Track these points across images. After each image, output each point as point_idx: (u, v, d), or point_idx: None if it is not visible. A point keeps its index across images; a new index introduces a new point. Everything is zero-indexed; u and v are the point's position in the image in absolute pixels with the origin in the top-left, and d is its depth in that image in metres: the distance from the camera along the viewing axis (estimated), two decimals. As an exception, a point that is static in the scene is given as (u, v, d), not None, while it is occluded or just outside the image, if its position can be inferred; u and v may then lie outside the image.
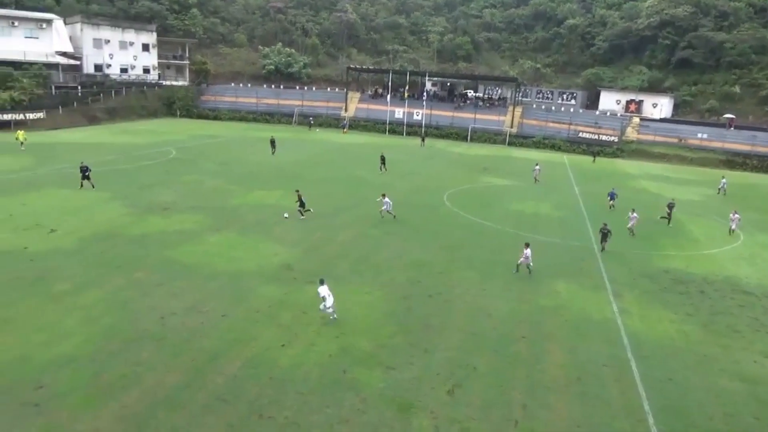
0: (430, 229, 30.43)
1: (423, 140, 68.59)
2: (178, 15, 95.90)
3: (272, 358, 15.85)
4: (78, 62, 74.57)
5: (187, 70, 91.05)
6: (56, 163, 41.79)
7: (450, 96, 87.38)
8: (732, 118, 73.68)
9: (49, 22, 71.75)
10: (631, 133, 74.26)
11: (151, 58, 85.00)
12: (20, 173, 37.22)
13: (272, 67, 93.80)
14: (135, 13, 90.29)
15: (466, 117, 78.46)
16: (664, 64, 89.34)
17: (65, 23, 74.93)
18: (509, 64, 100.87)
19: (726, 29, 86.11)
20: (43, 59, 68.75)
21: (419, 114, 78.08)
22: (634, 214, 31.80)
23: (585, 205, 39.53)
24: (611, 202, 37.52)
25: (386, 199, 31.22)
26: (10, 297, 18.59)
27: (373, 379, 15.10)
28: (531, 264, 23.94)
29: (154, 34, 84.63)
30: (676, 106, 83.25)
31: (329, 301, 18.03)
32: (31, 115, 60.87)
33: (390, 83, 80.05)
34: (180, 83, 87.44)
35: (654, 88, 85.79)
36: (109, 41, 78.60)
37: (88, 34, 76.38)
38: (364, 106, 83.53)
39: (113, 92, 74.67)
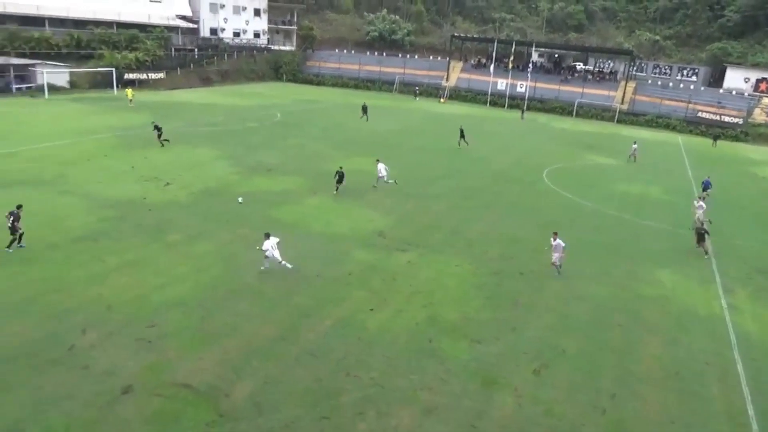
0: (526, 205, 29.69)
1: (523, 113, 66.46)
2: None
3: (361, 320, 16.36)
4: (195, 26, 78.74)
5: (295, 35, 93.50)
6: (174, 121, 44.73)
7: (557, 68, 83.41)
8: None
9: (171, -14, 76.05)
10: (759, 116, 67.50)
11: (262, 23, 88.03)
12: (143, 129, 40.23)
13: (376, 33, 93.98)
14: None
15: (572, 91, 74.77)
16: (807, 39, 79.91)
17: (185, -12, 79.09)
18: (624, 35, 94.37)
19: None
20: (164, 22, 73.24)
21: (523, 86, 75.39)
22: (701, 203, 27.71)
23: (699, 190, 36.70)
24: (704, 192, 32.68)
25: (380, 165, 29.39)
26: (132, 242, 20.41)
27: (458, 351, 15.20)
28: (559, 264, 20.64)
29: (266, 0, 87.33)
30: (817, 87, 74.41)
31: (275, 254, 18.39)
32: (153, 75, 65.33)
33: (494, 53, 77.63)
34: (287, 48, 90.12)
35: (792, 65, 77.10)
36: (224, 6, 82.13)
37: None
38: (465, 76, 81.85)
39: (226, 55, 78.35)
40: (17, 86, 53.67)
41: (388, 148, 40.45)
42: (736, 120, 65.82)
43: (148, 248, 20.05)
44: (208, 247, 20.49)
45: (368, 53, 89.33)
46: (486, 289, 19.24)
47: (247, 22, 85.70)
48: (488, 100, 75.59)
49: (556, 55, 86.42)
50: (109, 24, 67.52)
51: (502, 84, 76.39)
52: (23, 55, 56.80)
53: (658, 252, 24.29)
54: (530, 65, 77.41)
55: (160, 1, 74.96)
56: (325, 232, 23.19)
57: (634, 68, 79.25)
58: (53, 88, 54.32)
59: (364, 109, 53.31)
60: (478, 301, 18.30)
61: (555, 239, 20.61)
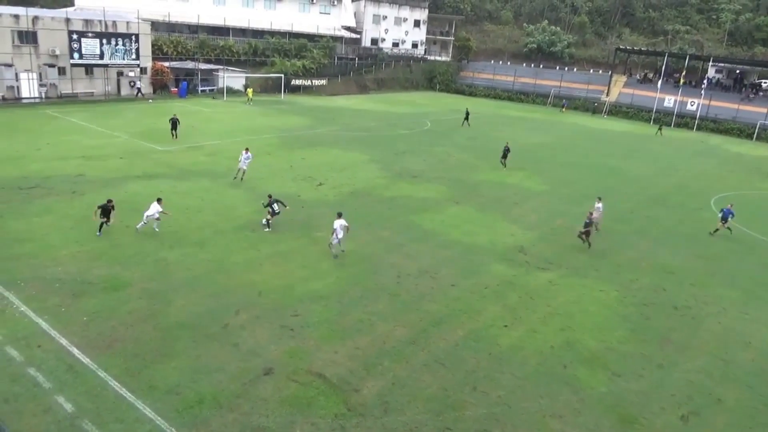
0: (686, 233, 27.11)
1: (660, 129, 60.84)
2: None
3: (493, 335, 16.07)
4: (358, 36, 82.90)
5: (451, 46, 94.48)
6: (330, 125, 47.55)
7: (738, 85, 75.04)
8: None
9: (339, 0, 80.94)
10: None
11: (420, 34, 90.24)
12: (304, 131, 43.29)
13: (534, 45, 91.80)
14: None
15: (755, 111, 66.70)
16: None
17: (352, 1, 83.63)
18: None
19: None
20: (331, 33, 78.06)
21: (694, 104, 68.87)
22: (598, 205, 25.18)
23: None
24: (723, 224, 26.64)
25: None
26: (285, 235, 22.05)
27: (594, 382, 14.31)
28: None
29: (426, 11, 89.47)
30: None
31: (339, 234, 19.57)
32: (316, 82, 69.99)
33: (664, 68, 71.91)
34: (443, 59, 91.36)
35: None
36: (386, 17, 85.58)
37: (370, 10, 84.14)
38: (629, 91, 76.72)
39: (383, 65, 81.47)
40: (202, 88, 60.55)
41: (537, 162, 39.29)
42: None
43: (298, 242, 21.50)
44: (350, 246, 21.43)
45: (524, 65, 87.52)
46: (632, 320, 17.88)
47: (406, 33, 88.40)
48: (652, 117, 70.19)
49: (738, 71, 77.76)
50: (282, 34, 73.59)
51: (670, 101, 70.49)
52: (209, 61, 63.94)
53: None
54: (705, 81, 70.52)
55: (329, 13, 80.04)
56: (463, 241, 23.14)
57: (837, 88, 68.68)
58: (231, 91, 60.47)
59: (467, 115, 52.39)
60: (622, 332, 17.07)
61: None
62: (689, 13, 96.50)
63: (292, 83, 66.61)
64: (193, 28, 67.83)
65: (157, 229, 21.08)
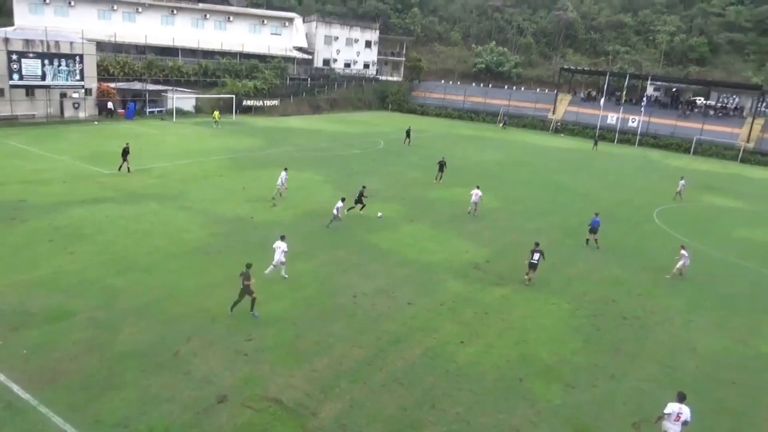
0: (632, 245, 28.10)
1: (596, 144, 63.68)
2: (400, 14, 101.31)
3: (451, 352, 16.15)
4: (310, 56, 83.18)
5: (402, 66, 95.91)
6: (283, 145, 47.28)
7: (674, 103, 78.92)
8: None
9: (290, 20, 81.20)
10: None
11: (372, 55, 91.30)
12: (256, 152, 42.86)
13: (483, 65, 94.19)
14: (362, 12, 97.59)
15: (691, 127, 70.26)
16: None
17: (303, 21, 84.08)
18: (753, 69, 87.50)
19: None
20: (282, 53, 78.04)
21: (635, 120, 72.00)
22: (683, 252, 23.79)
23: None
24: (592, 235, 26.88)
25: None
26: (238, 258, 21.53)
27: (550, 394, 14.54)
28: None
29: (377, 32, 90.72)
30: None
31: (277, 257, 19.26)
32: (268, 102, 69.64)
33: (606, 86, 75.01)
34: (394, 79, 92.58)
35: None
36: (337, 38, 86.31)
37: (321, 31, 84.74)
38: (574, 109, 79.60)
39: (336, 85, 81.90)
40: (150, 110, 59.29)
41: (489, 179, 40.06)
42: None
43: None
44: (306, 267, 21.24)
45: (474, 84, 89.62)
46: (584, 331, 18.32)
47: (358, 53, 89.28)
48: (596, 134, 72.87)
49: (674, 89, 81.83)
50: (233, 54, 73.09)
51: (612, 118, 73.47)
52: (157, 82, 62.77)
53: (784, 307, 21.96)
54: (645, 99, 73.85)
55: (280, 34, 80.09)
56: (419, 259, 23.28)
57: (764, 104, 73.08)
58: (180, 112, 59.46)
59: (408, 133, 53.28)
60: (575, 343, 17.45)
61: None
62: (628, 35, 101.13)
63: (243, 104, 66.07)
64: (141, 49, 66.60)
65: None
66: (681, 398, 12.43)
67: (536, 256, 21.39)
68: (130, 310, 16.86)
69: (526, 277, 21.69)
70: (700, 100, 77.51)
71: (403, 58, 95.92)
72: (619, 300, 21.10)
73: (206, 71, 68.29)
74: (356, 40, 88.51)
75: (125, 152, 33.59)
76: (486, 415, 13.44)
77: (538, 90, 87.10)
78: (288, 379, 14.05)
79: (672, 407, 12.26)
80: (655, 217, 34.52)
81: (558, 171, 46.88)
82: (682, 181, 40.53)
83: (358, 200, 28.38)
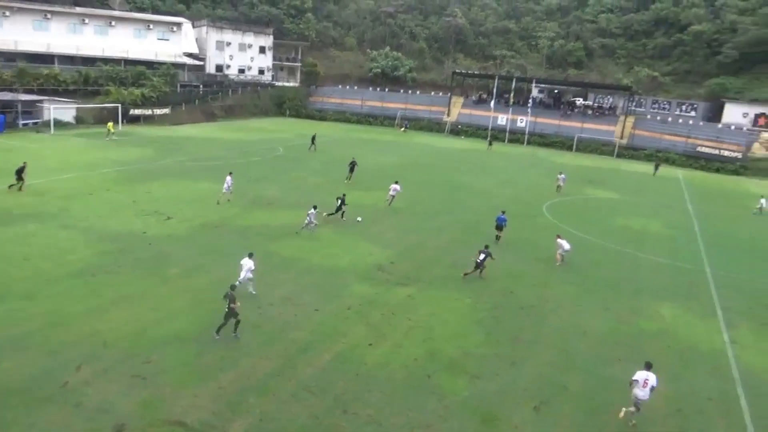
0: (526, 239, 29.67)
1: (490, 144, 67.44)
2: (294, 19, 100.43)
3: (360, 355, 16.20)
4: (202, 63, 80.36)
5: (299, 71, 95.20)
6: (177, 155, 45.24)
7: (557, 103, 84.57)
8: None
9: (179, 25, 77.95)
10: (758, 150, 67.93)
11: (267, 60, 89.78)
12: (145, 163, 40.65)
13: (378, 70, 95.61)
14: (255, 17, 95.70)
15: (572, 126, 75.60)
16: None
17: (193, 26, 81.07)
18: (623, 71, 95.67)
19: None
20: (171, 59, 74.74)
21: (523, 121, 76.32)
22: (559, 241, 25.82)
23: (699, 225, 36.74)
24: (499, 231, 28.11)
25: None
26: (130, 276, 20.40)
27: (457, 387, 15.00)
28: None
29: (271, 38, 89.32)
30: (815, 122, 74.98)
31: (242, 274, 18.89)
32: (158, 111, 66.31)
33: (495, 89, 78.86)
34: (291, 84, 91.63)
35: (790, 101, 77.85)
36: (230, 43, 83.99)
37: (213, 36, 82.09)
38: (467, 111, 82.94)
39: (230, 91, 79.68)
40: (24, 122, 54.46)
41: (390, 181, 40.62)
42: (735, 154, 66.25)
43: (146, 282, 20.01)
44: (206, 281, 20.45)
45: (371, 89, 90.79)
46: (486, 324, 19.09)
47: (252, 59, 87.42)
48: (489, 134, 76.37)
49: (556, 91, 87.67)
50: (117, 61, 68.97)
51: (502, 119, 77.31)
52: (31, 92, 57.81)
53: (659, 286, 24.16)
54: (530, 101, 78.40)
55: (168, 39, 76.65)
56: (324, 265, 23.17)
57: (633, 104, 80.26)
58: (59, 124, 55.10)
59: (313, 139, 53.64)
60: (478, 336, 18.14)
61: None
62: (513, 40, 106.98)
63: (130, 113, 62.41)
64: (10, 56, 61.09)
65: None
66: (648, 367, 13.96)
67: (482, 256, 22.56)
68: (8, 341, 15.34)
69: (464, 274, 22.82)
70: (579, 101, 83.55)
71: (299, 64, 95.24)
72: (517, 291, 22.21)
73: (87, 79, 63.83)
74: (250, 46, 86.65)
75: (20, 171, 30.79)
76: (397, 414, 13.61)
77: (432, 93, 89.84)
78: (192, 400, 13.43)
79: (639, 375, 13.74)
80: (545, 210, 36.71)
81: (455, 171, 48.58)
82: (562, 176, 43.42)
83: (339, 208, 29.39)
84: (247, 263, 19.20)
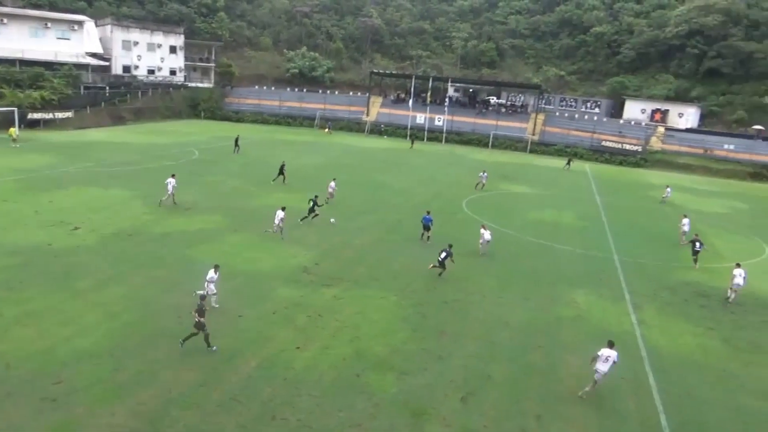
0: (448, 235, 30.24)
1: (412, 143, 68.90)
2: (206, 18, 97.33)
3: (287, 359, 15.94)
4: (107, 63, 76.09)
5: (213, 72, 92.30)
6: (82, 161, 42.63)
7: (472, 102, 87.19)
8: (761, 130, 72.14)
9: (80, 23, 73.35)
10: (655, 143, 73.19)
11: (178, 60, 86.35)
12: (48, 171, 38.01)
13: (296, 70, 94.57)
14: (164, 16, 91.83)
15: (487, 123, 78.19)
16: (692, 74, 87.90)
17: (96, 25, 76.59)
18: (533, 71, 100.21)
19: (757, 39, 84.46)
20: (73, 60, 70.23)
21: (441, 120, 78.04)
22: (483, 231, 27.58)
23: (606, 215, 39.06)
24: (426, 232, 28.63)
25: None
26: (35, 292, 18.98)
27: (386, 384, 15.09)
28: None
29: (182, 37, 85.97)
30: (702, 117, 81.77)
31: (211, 288, 18.45)
32: (59, 115, 62.14)
33: (413, 88, 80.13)
34: (205, 85, 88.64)
35: (680, 97, 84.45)
36: (137, 43, 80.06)
37: (118, 35, 77.90)
38: (386, 110, 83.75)
39: (140, 93, 76.00)
40: None
41: (311, 182, 40.34)
42: (636, 148, 70.98)
43: (54, 297, 18.69)
44: (120, 292, 19.41)
45: (288, 89, 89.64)
46: (411, 320, 19.34)
47: (162, 59, 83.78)
48: (408, 133, 77.53)
49: (471, 90, 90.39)
50: (11, 62, 64.00)
51: (421, 118, 78.65)
52: None
53: (573, 275, 25.44)
54: (447, 100, 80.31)
55: (69, 39, 71.96)
56: (247, 269, 22.61)
57: (543, 101, 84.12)
58: (-54, 130, 50.40)
59: (236, 141, 52.74)
60: (405, 332, 18.34)
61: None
62: (428, 41, 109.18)
63: (29, 117, 58.12)
64: None
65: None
66: (610, 345, 15.44)
67: (443, 254, 23.21)
68: None
69: (431, 266, 23.65)
70: (493, 99, 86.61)
71: (213, 64, 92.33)
72: (440, 286, 22.65)
73: (-24, 81, 58.80)
74: (159, 46, 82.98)
75: None
76: (327, 416, 13.51)
77: (351, 93, 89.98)
78: (109, 419, 12.70)
79: (603, 351, 15.30)
80: (464, 206, 37.71)
81: (376, 170, 48.89)
82: (484, 174, 44.79)
83: (312, 209, 29.42)
84: (212, 275, 18.50)
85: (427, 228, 28.45)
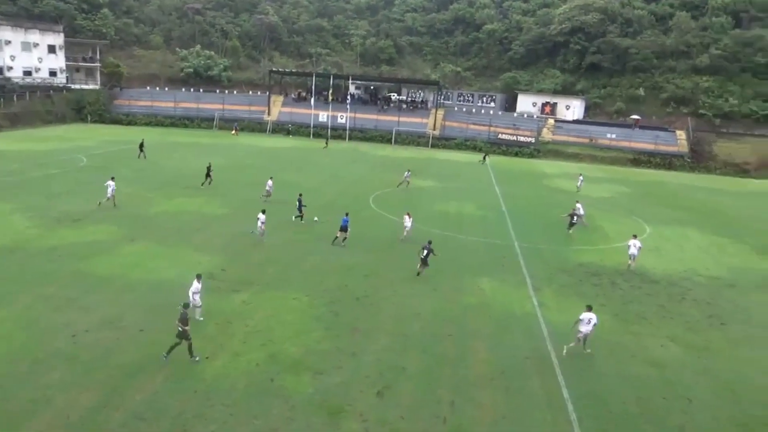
0: (356, 232, 30.40)
1: (327, 142, 69.02)
2: (88, 15, 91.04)
3: (196, 370, 15.34)
4: (-26, 64, 69.14)
5: (99, 73, 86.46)
6: (-49, 173, 38.52)
7: (374, 99, 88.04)
8: (637, 119, 78.68)
9: (-61, 20, 66.09)
10: (546, 134, 77.68)
11: (59, 61, 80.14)
12: None
13: (191, 69, 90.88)
14: (39, 12, 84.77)
15: (390, 120, 79.35)
16: (576, 68, 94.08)
17: (-42, 22, 69.34)
18: (431, 67, 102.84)
19: (631, 35, 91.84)
20: (-68, 61, 63.18)
21: (343, 117, 78.15)
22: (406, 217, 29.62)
23: (506, 204, 40.96)
24: (342, 233, 27.81)
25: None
26: None
27: (301, 386, 14.94)
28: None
29: (62, 35, 79.87)
30: (587, 108, 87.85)
31: (197, 300, 18.21)
32: None
33: (314, 87, 79.59)
34: (91, 87, 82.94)
35: (567, 90, 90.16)
36: (9, 42, 73.40)
37: (-15, 34, 71.03)
38: (287, 109, 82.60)
39: (15, 96, 69.73)
40: None
41: (214, 186, 39.01)
42: (529, 139, 74.96)
43: (-77, 326, 16.78)
44: (5, 314, 17.77)
45: (183, 90, 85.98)
46: (324, 319, 19.26)
47: (40, 60, 77.36)
48: (311, 132, 76.96)
49: (372, 87, 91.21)
50: None
51: (323, 116, 78.33)
52: None
53: (477, 263, 26.46)
54: (349, 97, 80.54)
55: (-76, 37, 64.64)
56: (148, 280, 21.48)
57: (442, 97, 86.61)
58: None
59: (141, 146, 50.21)
60: (318, 332, 18.24)
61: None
62: (327, 38, 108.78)
63: None
64: None
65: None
66: (588, 309, 17.95)
67: (425, 252, 23.66)
68: None
69: (418, 267, 23.96)
70: (394, 96, 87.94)
71: (99, 64, 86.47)
72: (351, 283, 22.73)
73: None
74: (36, 45, 76.49)
75: None
76: (242, 424, 13.16)
77: (250, 93, 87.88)
78: (-3, 453, 11.61)
79: (584, 315, 17.68)
80: (371, 203, 38.06)
81: (282, 170, 48.07)
82: (408, 173, 44.87)
83: (299, 208, 30.68)
84: (196, 286, 17.90)
85: (344, 229, 28.11)
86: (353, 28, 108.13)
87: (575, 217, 33.33)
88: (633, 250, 27.13)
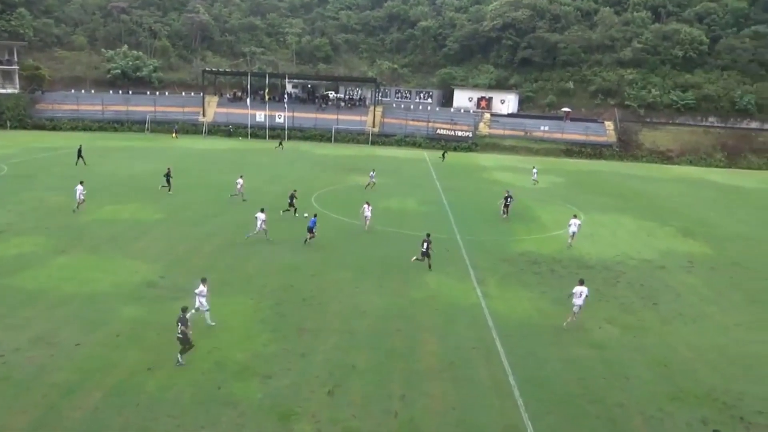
0: (299, 232, 30.11)
1: (281, 143, 68.24)
2: (2, 15, 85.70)
3: (138, 383, 14.75)
4: None
5: (17, 75, 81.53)
6: None
7: (311, 98, 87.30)
8: (568, 111, 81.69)
9: None
10: (483, 128, 79.42)
11: (-29, 64, 75.06)
12: None
13: (118, 71, 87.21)
14: (-54, 12, 79.18)
15: (328, 118, 78.94)
16: (509, 63, 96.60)
17: None
18: (368, 65, 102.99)
19: (559, 31, 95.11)
20: None
21: (281, 117, 77.12)
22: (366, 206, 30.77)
23: (447, 199, 41.58)
24: (309, 234, 27.75)
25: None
26: None
27: (250, 391, 14.64)
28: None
29: (-27, 37, 74.81)
30: (521, 102, 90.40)
31: (200, 304, 18.12)
32: None
33: (249, 86, 78.08)
34: (9, 91, 78.12)
35: (501, 85, 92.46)
36: None
37: None
38: (223, 110, 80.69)
39: (-76, 103, 64.86)
40: None
41: (149, 191, 37.65)
42: (467, 134, 76.41)
43: None
44: None
45: (111, 92, 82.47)
46: (270, 321, 18.96)
47: (-51, 63, 72.28)
48: (249, 132, 75.54)
49: (309, 86, 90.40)
50: None
51: (260, 116, 77.07)
52: None
53: (422, 257, 26.72)
54: (286, 96, 79.50)
55: None
56: (81, 292, 20.47)
57: (380, 94, 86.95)
58: None
59: (79, 152, 47.93)
60: (265, 335, 17.94)
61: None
62: (261, 36, 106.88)
63: None
64: None
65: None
66: (581, 282, 19.57)
67: (425, 245, 24.40)
68: None
69: (413, 259, 24.89)
70: (332, 94, 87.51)
71: (16, 67, 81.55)
72: (297, 284, 22.47)
73: None
74: (-56, 47, 71.49)
75: None
76: (189, 435, 12.77)
77: (183, 94, 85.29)
78: None
79: (576, 288, 19.34)
80: (313, 201, 37.74)
81: (219, 172, 47.01)
82: (373, 173, 44.30)
83: (291, 204, 31.83)
84: (201, 288, 17.76)
85: (310, 230, 27.51)
86: (288, 27, 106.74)
87: (509, 199, 35.25)
88: (573, 228, 29.26)
